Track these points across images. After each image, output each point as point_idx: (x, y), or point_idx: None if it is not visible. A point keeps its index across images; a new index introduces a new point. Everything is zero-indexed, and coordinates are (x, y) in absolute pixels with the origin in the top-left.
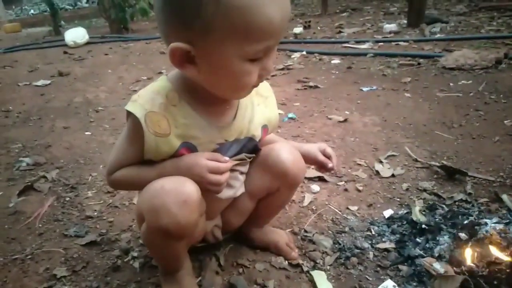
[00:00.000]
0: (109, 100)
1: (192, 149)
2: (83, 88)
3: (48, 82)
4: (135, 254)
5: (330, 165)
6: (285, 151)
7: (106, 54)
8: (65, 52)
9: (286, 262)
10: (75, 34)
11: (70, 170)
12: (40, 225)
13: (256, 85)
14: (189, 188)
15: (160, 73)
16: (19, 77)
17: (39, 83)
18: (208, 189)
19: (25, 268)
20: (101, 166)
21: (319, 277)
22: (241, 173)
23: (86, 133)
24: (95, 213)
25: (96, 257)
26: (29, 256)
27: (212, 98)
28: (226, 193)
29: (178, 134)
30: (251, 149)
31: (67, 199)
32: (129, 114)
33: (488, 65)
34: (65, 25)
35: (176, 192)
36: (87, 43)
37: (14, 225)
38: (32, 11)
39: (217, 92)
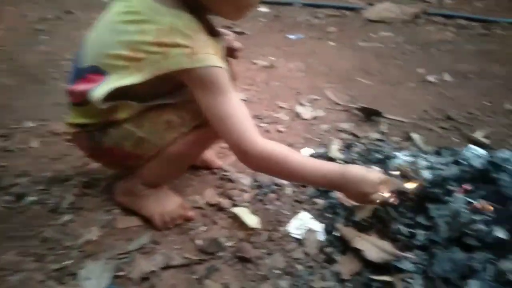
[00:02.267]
0: (7, 39)
1: None
2: None
3: None
4: (33, 198)
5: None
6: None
7: None
8: None
9: (203, 201)
10: None
11: None
12: None
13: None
14: None
15: (71, 12)
16: None
17: None
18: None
19: None
20: None
21: (242, 212)
22: None
23: None
24: None
25: None
26: None
27: (206, 18)
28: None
29: None
30: None
31: None
32: (201, 69)
33: (408, 19)
34: None
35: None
36: None
37: None
38: None
39: (217, 8)
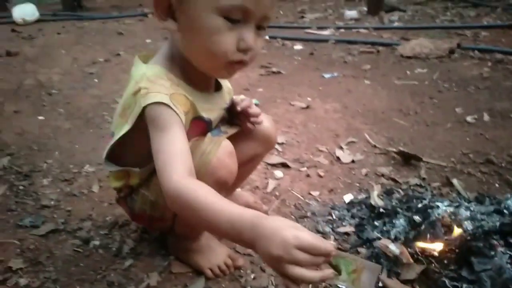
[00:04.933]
0: (63, 83)
1: (204, 120)
2: (34, 69)
3: None
4: (97, 243)
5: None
6: (266, 120)
7: (59, 34)
8: (13, 30)
9: None
10: (24, 11)
11: (23, 157)
12: None
13: (234, 60)
14: (228, 142)
15: (118, 55)
16: None
17: None
18: (284, 275)
19: None
20: (56, 153)
21: None
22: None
23: (39, 117)
24: (52, 202)
25: (54, 247)
26: None
27: (197, 74)
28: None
29: (190, 112)
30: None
31: (21, 187)
32: (150, 106)
33: (442, 54)
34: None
35: (223, 146)
36: (38, 21)
37: None
38: None
39: (194, 60)
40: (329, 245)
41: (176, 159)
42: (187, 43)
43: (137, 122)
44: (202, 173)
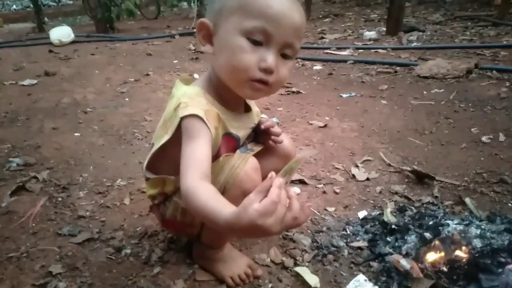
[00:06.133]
0: (97, 101)
1: (233, 136)
2: (71, 88)
3: (35, 81)
4: (128, 251)
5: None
6: (286, 139)
7: (93, 54)
8: (51, 51)
9: (269, 259)
10: (61, 33)
11: (61, 171)
12: (34, 225)
13: (255, 77)
14: (254, 158)
15: (147, 74)
16: (4, 75)
17: (26, 82)
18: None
19: (21, 265)
20: (91, 167)
21: (304, 272)
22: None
23: (75, 134)
24: (87, 213)
25: (90, 255)
26: (24, 254)
27: (230, 96)
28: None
29: (220, 127)
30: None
31: (59, 199)
32: (186, 118)
33: (460, 74)
34: (48, 22)
35: (250, 162)
36: (73, 42)
37: (7, 225)
38: (14, 7)
39: (223, 76)
40: (274, 186)
41: (192, 164)
42: (217, 62)
43: (175, 133)
44: (231, 185)
